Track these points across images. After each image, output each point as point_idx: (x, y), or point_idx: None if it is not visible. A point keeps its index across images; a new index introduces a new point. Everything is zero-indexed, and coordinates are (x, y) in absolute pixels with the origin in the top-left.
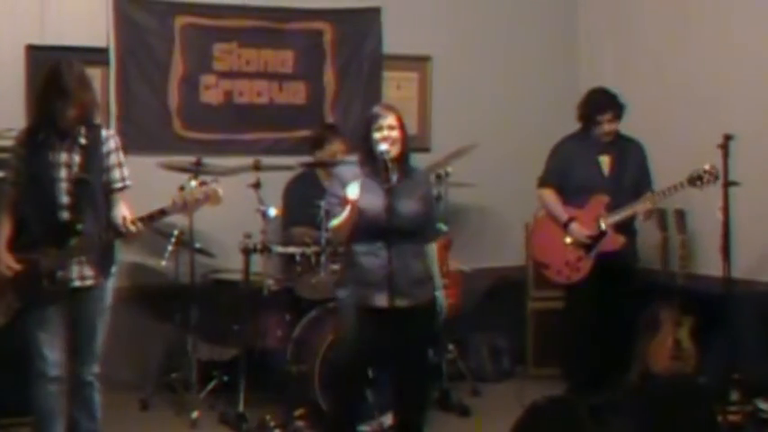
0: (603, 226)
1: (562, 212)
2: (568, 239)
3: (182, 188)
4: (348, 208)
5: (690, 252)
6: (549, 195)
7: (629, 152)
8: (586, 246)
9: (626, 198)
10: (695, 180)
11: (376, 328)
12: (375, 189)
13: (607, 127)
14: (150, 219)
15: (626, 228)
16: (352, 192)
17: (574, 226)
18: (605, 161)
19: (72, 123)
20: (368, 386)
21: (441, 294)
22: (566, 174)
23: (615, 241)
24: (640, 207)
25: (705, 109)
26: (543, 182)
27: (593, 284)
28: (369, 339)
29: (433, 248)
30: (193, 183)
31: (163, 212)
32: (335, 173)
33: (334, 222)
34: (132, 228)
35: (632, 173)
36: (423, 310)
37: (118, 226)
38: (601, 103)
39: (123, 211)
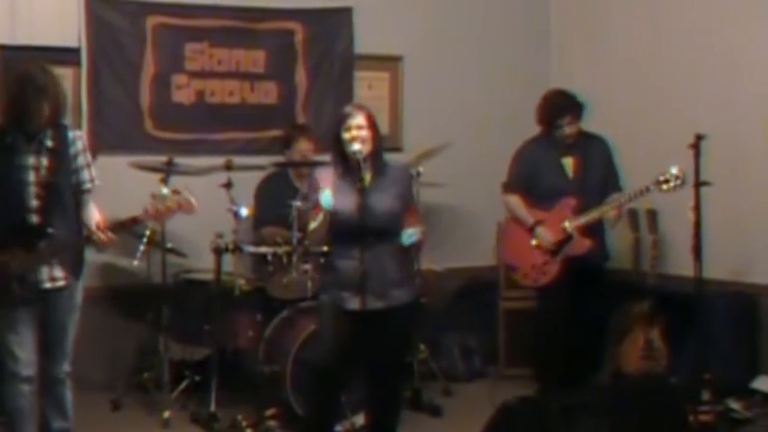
0: (569, 229)
1: (527, 216)
2: (535, 243)
3: (154, 196)
4: (320, 218)
5: (661, 252)
6: (514, 201)
7: (593, 151)
8: (552, 250)
9: (594, 198)
10: (662, 183)
11: (351, 331)
12: (348, 190)
13: (568, 129)
14: (122, 226)
15: (593, 228)
16: (325, 200)
17: (540, 230)
18: (569, 163)
19: (45, 123)
20: (342, 387)
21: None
22: (531, 179)
23: (581, 245)
24: (606, 211)
25: (677, 108)
26: (508, 188)
27: (563, 286)
28: (344, 342)
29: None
30: (165, 190)
31: (135, 221)
32: (313, 175)
33: (311, 226)
34: (103, 237)
35: (598, 171)
36: (399, 312)
37: (89, 229)
38: (560, 107)
39: (95, 216)
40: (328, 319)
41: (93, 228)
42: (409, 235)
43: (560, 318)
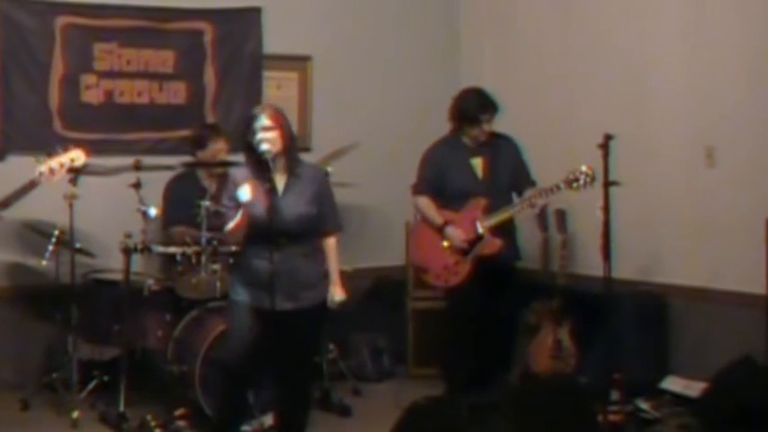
0: (480, 229)
1: (437, 217)
2: (445, 243)
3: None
4: (241, 211)
5: (570, 252)
6: (424, 202)
7: (502, 151)
8: (463, 249)
9: (503, 198)
10: (572, 182)
11: (261, 330)
12: (260, 191)
13: (486, 127)
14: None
15: (504, 228)
16: (243, 194)
17: (450, 230)
18: (478, 163)
19: None
20: (251, 386)
21: (334, 289)
22: (440, 181)
23: (492, 245)
24: (517, 210)
25: (585, 109)
26: (417, 190)
27: (474, 286)
28: (254, 340)
29: (332, 242)
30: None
31: (33, 184)
32: (230, 175)
33: (229, 225)
34: None
35: (507, 172)
36: (309, 313)
37: None
38: (481, 103)
39: None
40: (239, 317)
41: None
42: (336, 302)
43: (470, 317)
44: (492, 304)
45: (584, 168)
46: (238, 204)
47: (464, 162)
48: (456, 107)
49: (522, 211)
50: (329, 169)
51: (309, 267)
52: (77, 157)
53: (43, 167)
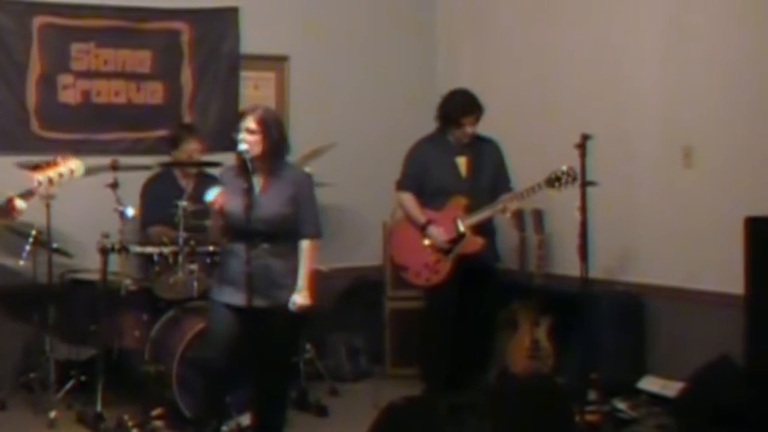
0: (462, 228)
1: (420, 215)
2: (427, 242)
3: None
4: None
5: (547, 252)
6: (407, 199)
7: (485, 152)
8: (445, 248)
9: (484, 199)
10: (553, 181)
11: (238, 327)
12: (239, 190)
13: (469, 129)
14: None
15: (485, 228)
16: (209, 194)
17: (432, 229)
18: (462, 163)
19: None
20: (231, 386)
21: (298, 294)
22: (423, 177)
23: (474, 244)
24: (497, 210)
25: (563, 109)
26: (401, 186)
27: (453, 285)
28: (232, 339)
29: (306, 245)
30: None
31: (31, 193)
32: (219, 176)
33: (207, 224)
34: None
35: (490, 173)
36: (284, 313)
37: None
38: (466, 106)
39: None
40: (217, 316)
41: None
42: (297, 304)
43: (448, 317)
44: (471, 304)
45: (565, 168)
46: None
47: (448, 160)
48: (441, 108)
49: (500, 211)
50: (307, 169)
51: (283, 267)
52: (77, 168)
53: (42, 177)
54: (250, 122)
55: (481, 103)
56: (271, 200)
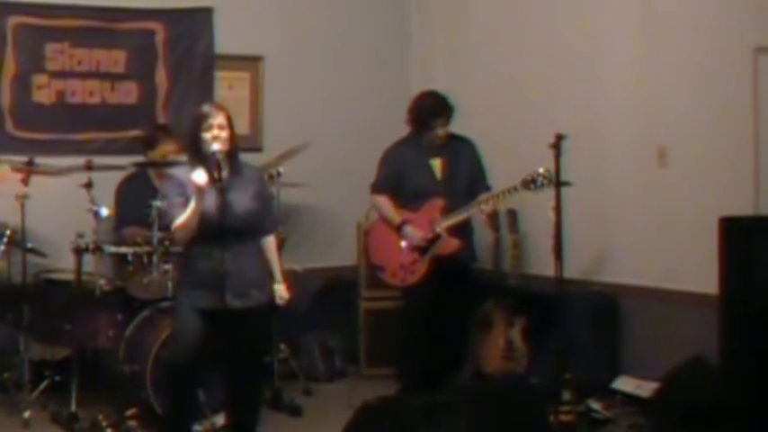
0: (438, 229)
1: (395, 216)
2: (403, 243)
3: None
4: (192, 204)
5: (522, 252)
6: (382, 201)
7: (460, 153)
8: (421, 249)
9: (461, 199)
10: (529, 183)
11: (210, 329)
12: (207, 189)
13: (440, 131)
14: None
15: (462, 229)
16: (199, 177)
17: (408, 229)
18: (437, 164)
19: None
20: (200, 386)
21: (280, 287)
22: (398, 180)
23: (450, 245)
24: (474, 211)
25: (537, 109)
26: (376, 189)
27: (429, 285)
28: (203, 340)
29: (271, 241)
30: None
31: None
32: (171, 175)
33: (179, 221)
34: None
35: (466, 173)
36: (258, 312)
37: None
38: (434, 108)
39: None
40: (185, 317)
41: None
42: (285, 299)
43: (424, 318)
44: (446, 304)
45: (541, 170)
46: (186, 200)
47: (423, 162)
48: (412, 110)
49: (477, 212)
50: (281, 169)
51: (256, 266)
52: None
53: None
54: (221, 119)
55: (451, 104)
56: (239, 197)
